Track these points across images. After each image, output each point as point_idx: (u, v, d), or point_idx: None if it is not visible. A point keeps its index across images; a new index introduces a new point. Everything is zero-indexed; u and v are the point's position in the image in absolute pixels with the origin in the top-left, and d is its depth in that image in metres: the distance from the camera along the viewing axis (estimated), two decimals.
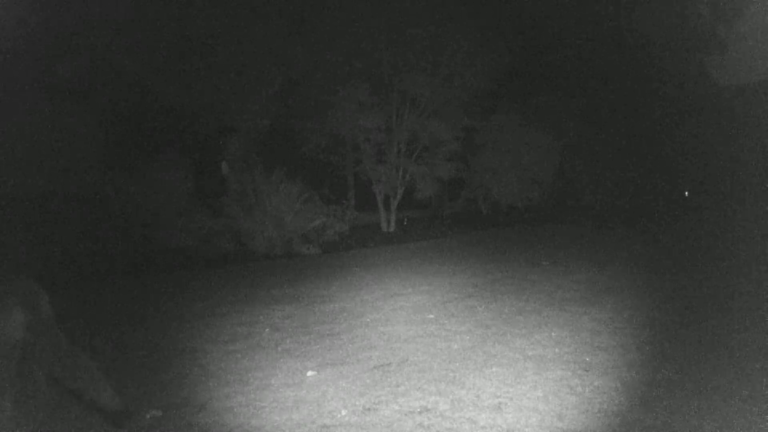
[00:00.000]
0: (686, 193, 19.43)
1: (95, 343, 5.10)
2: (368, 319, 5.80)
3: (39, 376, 2.72)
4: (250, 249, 11.09)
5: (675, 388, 3.72)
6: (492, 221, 16.67)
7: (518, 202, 17.12)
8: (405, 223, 16.10)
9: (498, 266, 8.85)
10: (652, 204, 18.09)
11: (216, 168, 14.60)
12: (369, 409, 3.55)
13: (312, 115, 14.40)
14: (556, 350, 4.56)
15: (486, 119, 16.33)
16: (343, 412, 3.52)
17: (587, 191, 18.69)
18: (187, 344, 5.15)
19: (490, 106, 16.06)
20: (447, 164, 14.84)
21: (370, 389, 3.88)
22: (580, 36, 17.82)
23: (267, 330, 5.52)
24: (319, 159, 15.00)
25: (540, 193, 17.36)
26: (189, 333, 5.49)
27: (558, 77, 18.77)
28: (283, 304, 6.65)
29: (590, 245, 11.08)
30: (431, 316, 5.87)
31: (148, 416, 3.57)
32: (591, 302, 6.17)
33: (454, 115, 14.85)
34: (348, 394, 3.81)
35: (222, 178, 14.12)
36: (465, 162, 16.31)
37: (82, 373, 3.01)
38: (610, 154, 18.69)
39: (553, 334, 5.02)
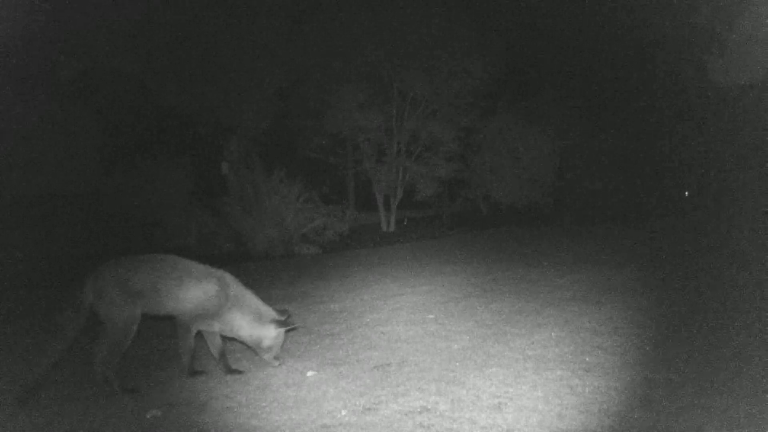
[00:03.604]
0: (686, 193, 19.42)
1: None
2: (368, 319, 5.79)
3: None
4: (250, 249, 11.08)
5: (675, 388, 3.71)
6: (492, 221, 16.66)
7: (518, 202, 17.11)
8: (405, 223, 16.09)
9: (498, 266, 8.85)
10: (652, 204, 18.09)
11: (216, 168, 14.61)
12: (369, 409, 3.55)
13: (312, 115, 14.41)
14: (556, 350, 4.55)
15: (486, 119, 16.34)
16: (343, 412, 3.52)
17: (587, 191, 18.68)
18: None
19: (490, 106, 16.06)
20: (447, 164, 14.84)
21: (370, 389, 3.88)
22: (580, 36, 17.82)
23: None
24: (319, 159, 15.01)
25: (540, 193, 17.36)
26: None
27: (558, 77, 18.78)
28: (283, 304, 6.64)
29: (590, 245, 11.08)
30: (431, 316, 5.86)
31: (148, 416, 3.57)
32: (591, 302, 6.17)
33: (454, 115, 14.85)
34: (348, 394, 3.80)
35: (222, 178, 14.13)
36: (465, 162, 16.31)
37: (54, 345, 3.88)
38: (610, 154, 18.68)
39: (553, 334, 5.01)
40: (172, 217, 11.68)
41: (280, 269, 9.48)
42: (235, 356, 4.76)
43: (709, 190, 18.41)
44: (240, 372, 4.33)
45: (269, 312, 4.32)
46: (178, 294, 4.08)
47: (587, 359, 4.32)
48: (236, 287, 4.31)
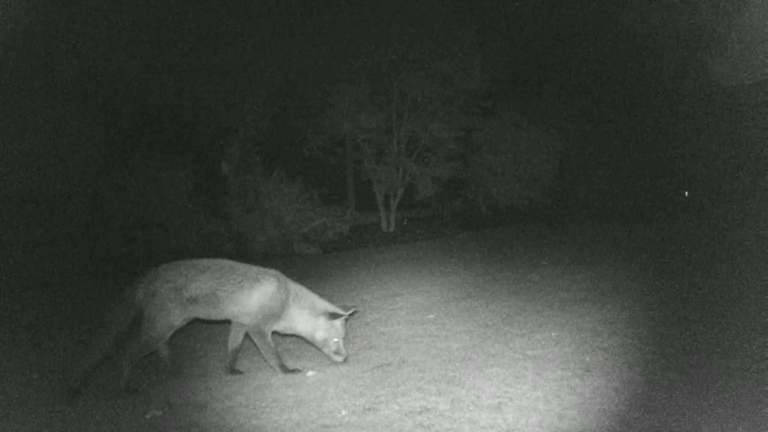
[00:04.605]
0: (686, 193, 19.43)
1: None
2: (368, 319, 5.79)
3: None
4: (250, 249, 11.09)
5: (675, 388, 3.71)
6: (492, 221, 16.66)
7: (518, 202, 17.12)
8: (405, 223, 16.10)
9: (498, 266, 8.85)
10: (651, 204, 18.09)
11: (216, 168, 14.61)
12: (369, 409, 3.55)
13: (312, 115, 14.41)
14: (556, 350, 4.55)
15: (486, 119, 16.34)
16: (343, 412, 3.52)
17: (587, 191, 18.68)
18: (186, 344, 5.15)
19: (490, 106, 16.07)
20: (447, 164, 14.84)
21: (370, 389, 3.88)
22: (580, 36, 17.82)
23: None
24: (319, 159, 15.02)
25: (540, 193, 17.36)
26: (189, 333, 5.48)
27: (558, 77, 18.78)
28: None
29: (590, 245, 11.08)
30: (431, 316, 5.87)
31: (148, 416, 3.57)
32: (591, 302, 6.16)
33: (454, 115, 14.86)
34: (348, 394, 3.80)
35: (222, 178, 14.14)
36: (465, 162, 16.31)
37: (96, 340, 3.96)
38: (610, 154, 18.69)
39: (553, 334, 5.01)
40: (172, 217, 11.68)
41: (280, 269, 9.45)
42: None
43: (710, 190, 18.41)
44: (240, 372, 4.33)
45: (325, 305, 4.33)
46: (240, 298, 4.11)
47: (587, 359, 4.32)
48: (291, 283, 4.38)
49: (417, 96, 14.49)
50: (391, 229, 14.83)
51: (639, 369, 4.11)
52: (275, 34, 13.43)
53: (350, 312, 4.39)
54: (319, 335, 4.29)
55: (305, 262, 10.20)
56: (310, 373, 4.26)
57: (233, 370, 4.31)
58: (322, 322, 4.27)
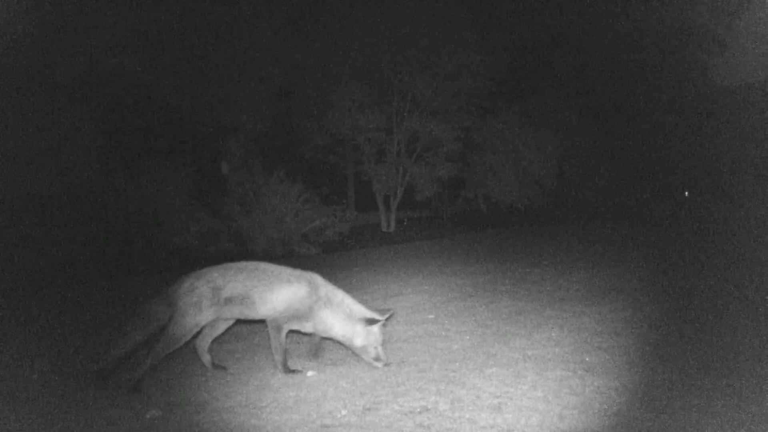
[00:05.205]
0: (686, 193, 19.43)
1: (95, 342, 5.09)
2: None
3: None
4: (250, 249, 11.09)
5: (675, 388, 3.71)
6: (492, 221, 16.67)
7: (518, 202, 17.12)
8: (405, 223, 16.11)
9: (498, 266, 8.85)
10: (652, 204, 18.10)
11: (216, 168, 14.62)
12: (369, 409, 3.55)
13: (312, 115, 14.42)
14: (556, 350, 4.55)
15: (486, 119, 16.35)
16: (343, 412, 3.52)
17: (587, 191, 18.69)
18: (186, 344, 5.14)
19: (490, 106, 16.08)
20: (447, 164, 14.85)
21: (370, 389, 3.88)
22: (580, 36, 17.82)
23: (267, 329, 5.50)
24: (319, 159, 15.02)
25: (540, 193, 17.36)
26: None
27: (558, 77, 18.79)
28: None
29: (591, 245, 11.09)
30: (431, 316, 5.87)
31: (148, 416, 3.57)
32: (591, 302, 6.17)
33: (454, 115, 14.86)
34: (348, 394, 3.80)
35: (222, 178, 14.14)
36: (465, 162, 16.31)
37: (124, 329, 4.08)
38: (610, 154, 18.70)
39: (553, 334, 5.01)
40: (172, 217, 11.68)
41: None
42: (234, 356, 4.77)
43: (709, 190, 18.42)
44: (224, 368, 4.40)
45: (361, 310, 4.29)
46: (270, 298, 4.16)
47: (587, 359, 4.32)
48: (327, 288, 4.34)
49: (417, 96, 14.49)
50: (391, 229, 14.83)
51: (639, 369, 4.11)
52: (275, 33, 13.43)
53: (387, 316, 4.34)
54: (357, 342, 4.25)
55: (305, 262, 10.20)
56: (310, 373, 4.26)
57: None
58: (360, 328, 4.22)
